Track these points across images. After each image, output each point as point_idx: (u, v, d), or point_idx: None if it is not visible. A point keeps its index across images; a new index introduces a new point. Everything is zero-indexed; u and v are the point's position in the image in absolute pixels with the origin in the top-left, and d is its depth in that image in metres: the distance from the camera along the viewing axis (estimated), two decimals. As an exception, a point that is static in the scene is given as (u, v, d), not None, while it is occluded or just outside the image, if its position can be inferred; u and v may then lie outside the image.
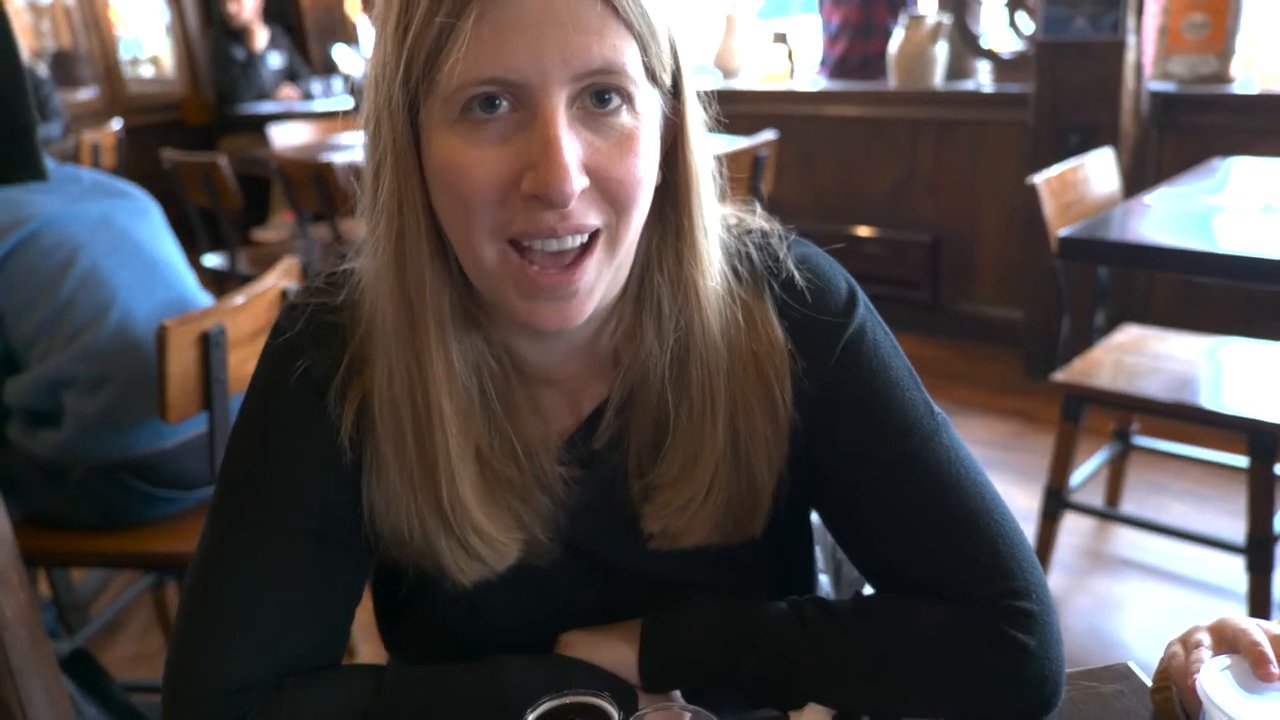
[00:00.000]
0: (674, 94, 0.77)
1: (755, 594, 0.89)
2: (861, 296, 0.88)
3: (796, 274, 0.85)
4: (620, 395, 0.85)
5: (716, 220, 0.83)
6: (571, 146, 0.70)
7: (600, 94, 0.71)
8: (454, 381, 0.79)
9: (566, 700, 0.74)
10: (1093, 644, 2.34)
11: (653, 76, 0.74)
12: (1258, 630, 0.73)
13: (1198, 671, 0.71)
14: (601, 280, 0.76)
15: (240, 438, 0.85)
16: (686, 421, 0.83)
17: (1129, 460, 2.79)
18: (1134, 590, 2.55)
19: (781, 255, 0.86)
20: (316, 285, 0.86)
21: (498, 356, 0.83)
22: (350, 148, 4.26)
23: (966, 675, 0.79)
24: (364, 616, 0.90)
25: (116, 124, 5.43)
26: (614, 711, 0.72)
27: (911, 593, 0.83)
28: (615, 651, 0.86)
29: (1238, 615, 0.76)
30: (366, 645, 2.28)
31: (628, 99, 0.72)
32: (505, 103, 0.70)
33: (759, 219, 0.89)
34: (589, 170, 0.71)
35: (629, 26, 0.70)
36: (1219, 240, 2.05)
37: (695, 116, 0.78)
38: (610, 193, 0.73)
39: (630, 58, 0.71)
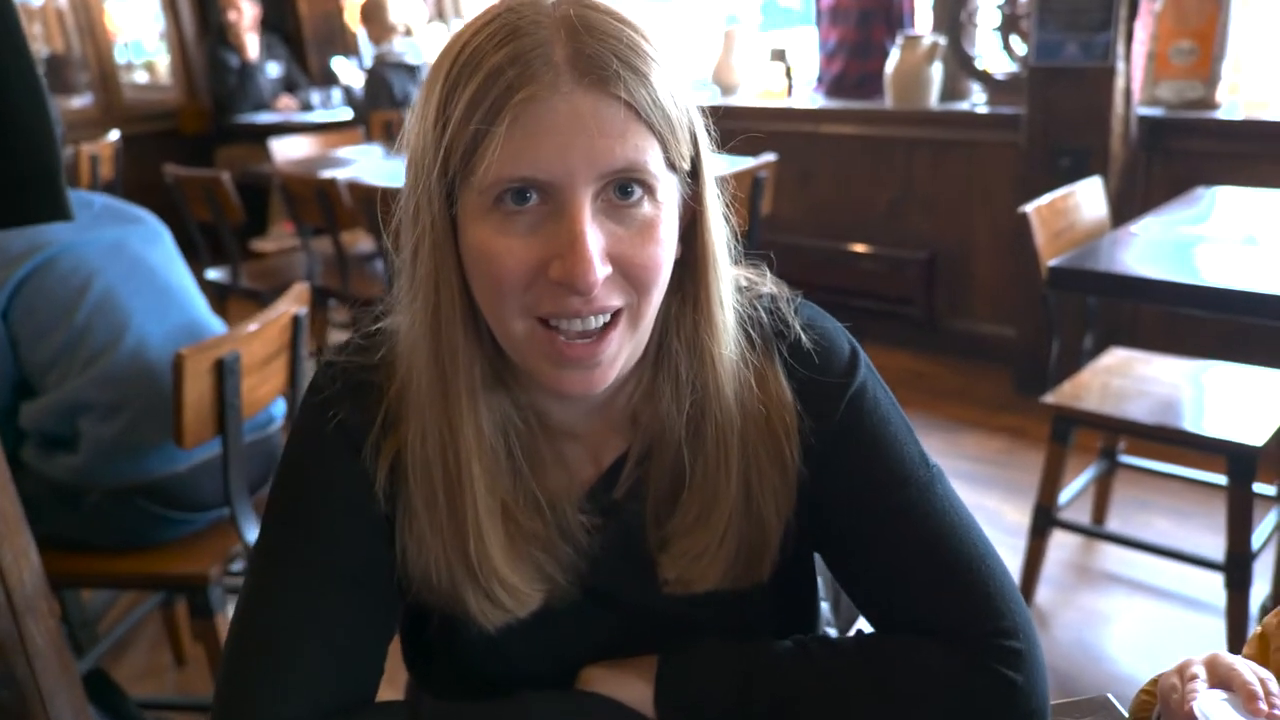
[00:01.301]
0: (693, 176, 0.83)
1: (763, 630, 0.95)
2: (863, 356, 0.94)
3: (803, 336, 0.91)
4: (639, 449, 0.92)
5: (731, 291, 0.89)
6: (595, 238, 0.76)
7: (623, 187, 0.77)
8: (483, 444, 0.85)
9: (590, 737, 0.80)
10: (1079, 656, 2.41)
11: (673, 166, 0.80)
12: (1248, 670, 0.79)
13: (1194, 698, 0.76)
14: (624, 351, 0.83)
15: (281, 489, 0.91)
16: (701, 476, 0.89)
17: (1115, 478, 2.86)
18: (1119, 605, 2.62)
19: (790, 319, 0.92)
20: (353, 344, 0.92)
21: (523, 415, 0.89)
22: (352, 162, 4.31)
23: (960, 708, 0.85)
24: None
25: (114, 135, 5.46)
26: (635, 749, 0.78)
27: (907, 631, 0.89)
28: (633, 688, 0.91)
29: (1227, 654, 0.81)
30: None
31: (649, 190, 0.78)
32: (535, 196, 0.76)
33: (769, 283, 0.95)
34: (612, 258, 0.78)
35: (650, 128, 0.77)
36: (1202, 272, 2.12)
37: (713, 196, 0.85)
38: (632, 277, 0.79)
39: (652, 155, 0.77)
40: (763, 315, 0.92)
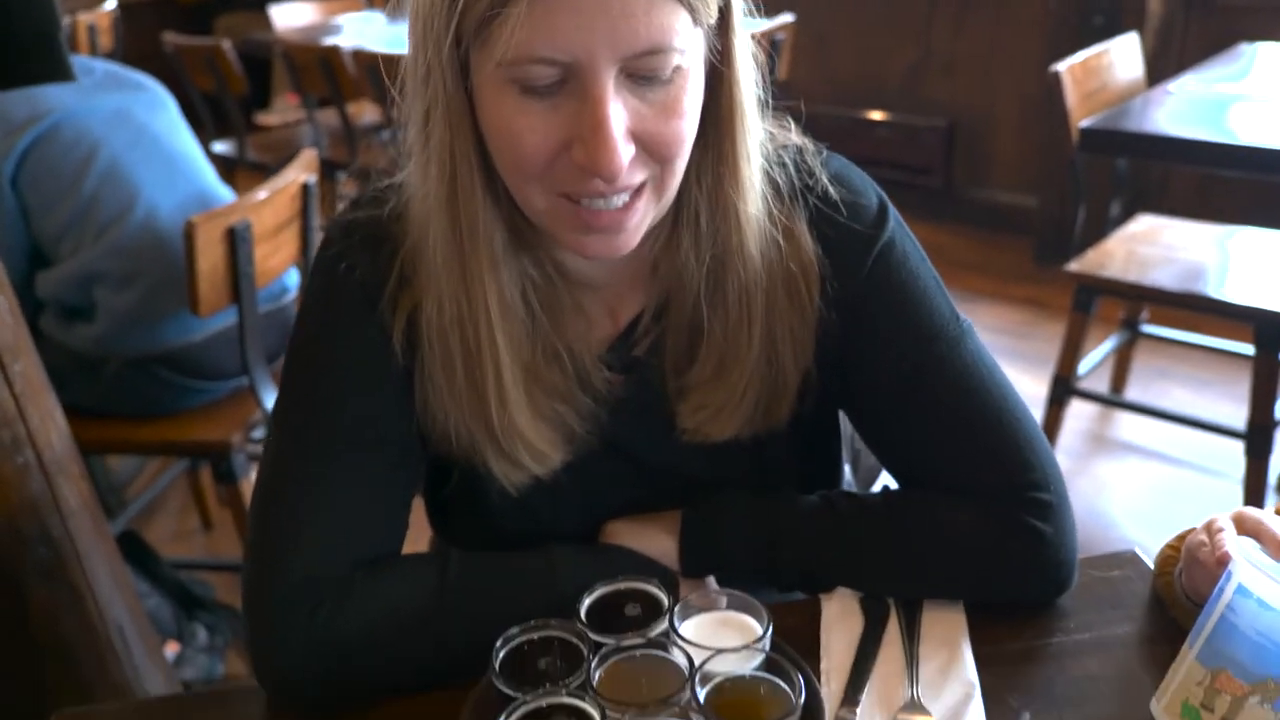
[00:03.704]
0: (720, 25, 0.78)
1: (784, 487, 0.94)
2: (892, 209, 0.91)
3: (831, 189, 0.88)
4: (656, 303, 0.89)
5: (758, 145, 0.85)
6: (619, 120, 0.72)
7: (646, 63, 0.72)
8: (505, 312, 0.82)
9: (620, 586, 0.81)
10: (1093, 524, 2.44)
11: (698, 23, 0.75)
12: (1277, 522, 0.79)
13: (1225, 545, 0.76)
14: (649, 216, 0.80)
15: (297, 346, 0.89)
16: (721, 332, 0.87)
17: (1136, 348, 2.84)
18: (1134, 474, 2.64)
19: (817, 171, 0.88)
20: (365, 198, 0.89)
21: (542, 269, 0.86)
22: (355, 30, 4.18)
23: (988, 561, 0.86)
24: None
25: (111, 3, 5.29)
26: (664, 596, 0.79)
27: (935, 486, 0.88)
28: (656, 540, 0.92)
29: (1254, 509, 0.81)
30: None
31: (673, 64, 0.73)
32: (556, 73, 0.71)
33: (794, 135, 0.91)
34: (635, 135, 0.74)
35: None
36: (1239, 132, 2.05)
37: (742, 46, 0.80)
38: (655, 152, 0.76)
39: (679, 23, 0.72)
40: (790, 167, 0.89)
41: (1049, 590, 0.87)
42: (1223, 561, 0.73)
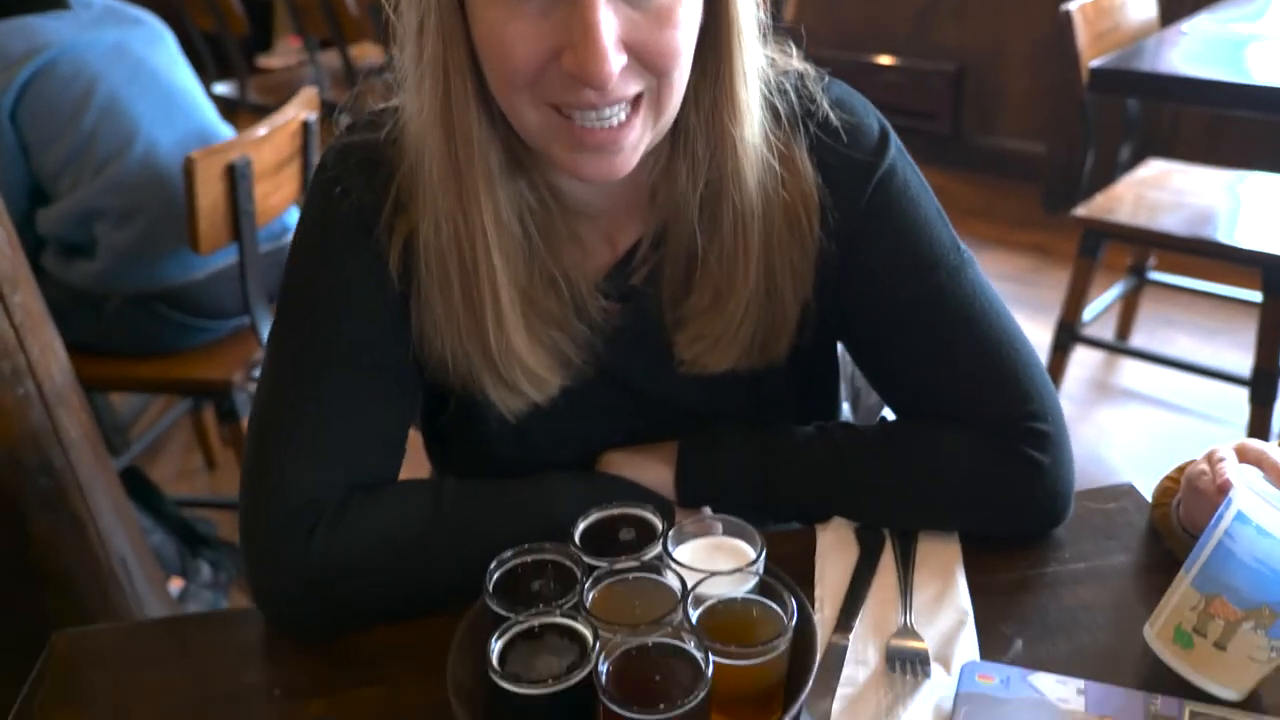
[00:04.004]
0: None
1: (782, 418, 0.94)
2: (893, 137, 0.89)
3: (831, 115, 0.86)
4: (654, 231, 0.88)
5: (756, 69, 0.83)
6: (610, 27, 0.70)
7: None
8: (502, 232, 0.81)
9: (614, 511, 0.81)
10: (1095, 471, 2.44)
11: None
12: (1279, 452, 0.78)
13: (1226, 472, 0.75)
14: (646, 136, 0.78)
15: (293, 271, 0.89)
16: (717, 260, 0.86)
17: (1142, 295, 2.82)
18: (1137, 421, 2.64)
19: (818, 97, 0.87)
20: (360, 122, 0.88)
21: (539, 194, 0.85)
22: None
23: (985, 491, 0.85)
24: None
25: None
26: (658, 521, 0.79)
27: (934, 416, 0.88)
28: (653, 470, 0.92)
29: (1256, 440, 0.80)
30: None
31: None
32: None
33: (795, 61, 0.89)
34: (627, 45, 0.72)
35: None
36: (1254, 72, 2.01)
37: None
38: (649, 64, 0.74)
39: None
40: (790, 93, 0.87)
41: (1044, 521, 0.87)
42: (1223, 489, 0.73)
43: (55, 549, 1.37)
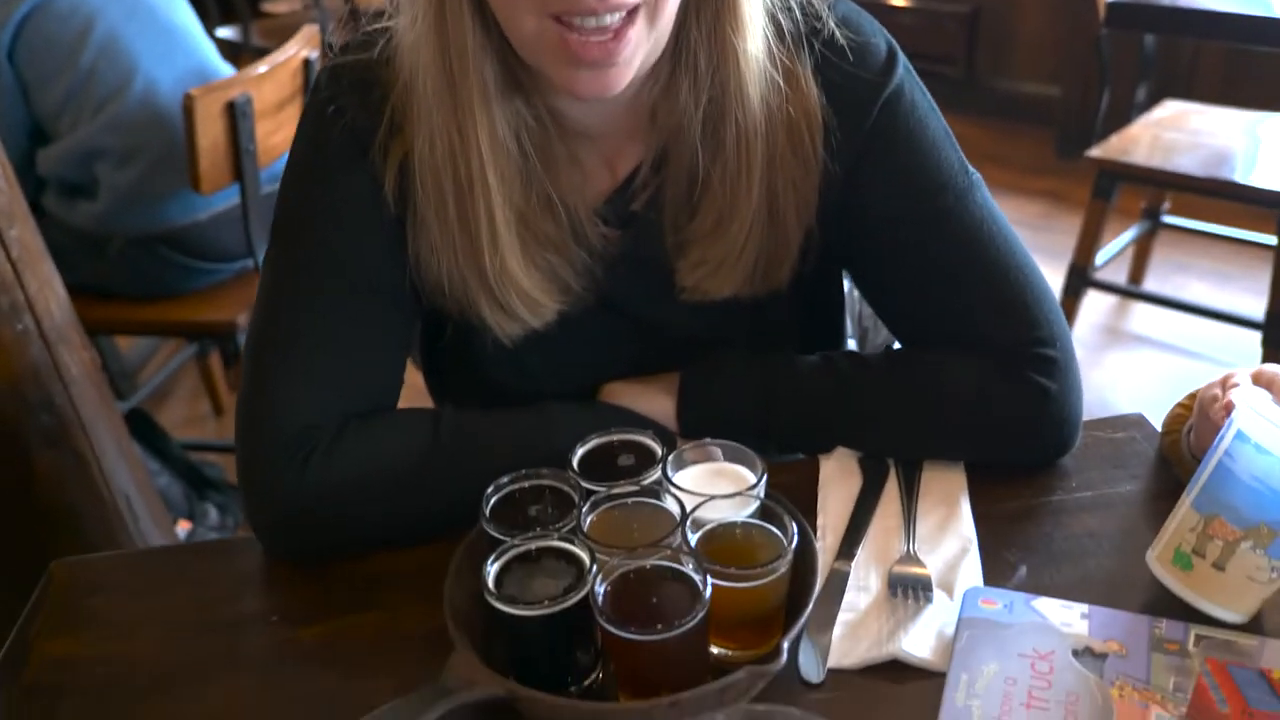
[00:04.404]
0: None
1: (785, 350, 0.92)
2: (901, 56, 0.87)
3: (837, 33, 0.84)
4: (655, 152, 0.86)
5: None
6: None
7: None
8: (497, 149, 0.79)
9: (614, 437, 0.80)
10: (1104, 414, 2.42)
11: None
12: None
13: (1234, 393, 0.73)
14: (642, 49, 0.76)
15: (287, 193, 0.87)
16: (720, 181, 0.84)
17: (1156, 239, 2.78)
18: (1148, 366, 2.61)
19: (824, 14, 0.84)
20: (354, 42, 0.86)
21: (536, 114, 0.83)
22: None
23: (992, 418, 0.84)
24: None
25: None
26: (658, 447, 0.78)
27: (940, 343, 0.86)
28: (655, 401, 0.90)
29: (1272, 365, 0.78)
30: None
31: None
32: None
33: None
34: None
35: None
36: (1276, 5, 1.96)
37: None
38: None
39: None
40: (795, 10, 0.84)
41: (1052, 449, 0.86)
42: (1228, 409, 0.71)
43: (58, 485, 1.37)
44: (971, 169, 0.88)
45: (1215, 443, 0.70)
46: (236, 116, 1.78)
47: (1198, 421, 0.80)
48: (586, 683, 0.69)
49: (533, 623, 0.65)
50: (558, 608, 0.64)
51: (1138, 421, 0.92)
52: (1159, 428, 0.89)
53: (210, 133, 1.74)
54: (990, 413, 0.84)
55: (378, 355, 0.87)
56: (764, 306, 0.91)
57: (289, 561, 0.84)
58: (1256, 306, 2.31)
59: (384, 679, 0.70)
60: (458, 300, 0.86)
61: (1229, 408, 0.71)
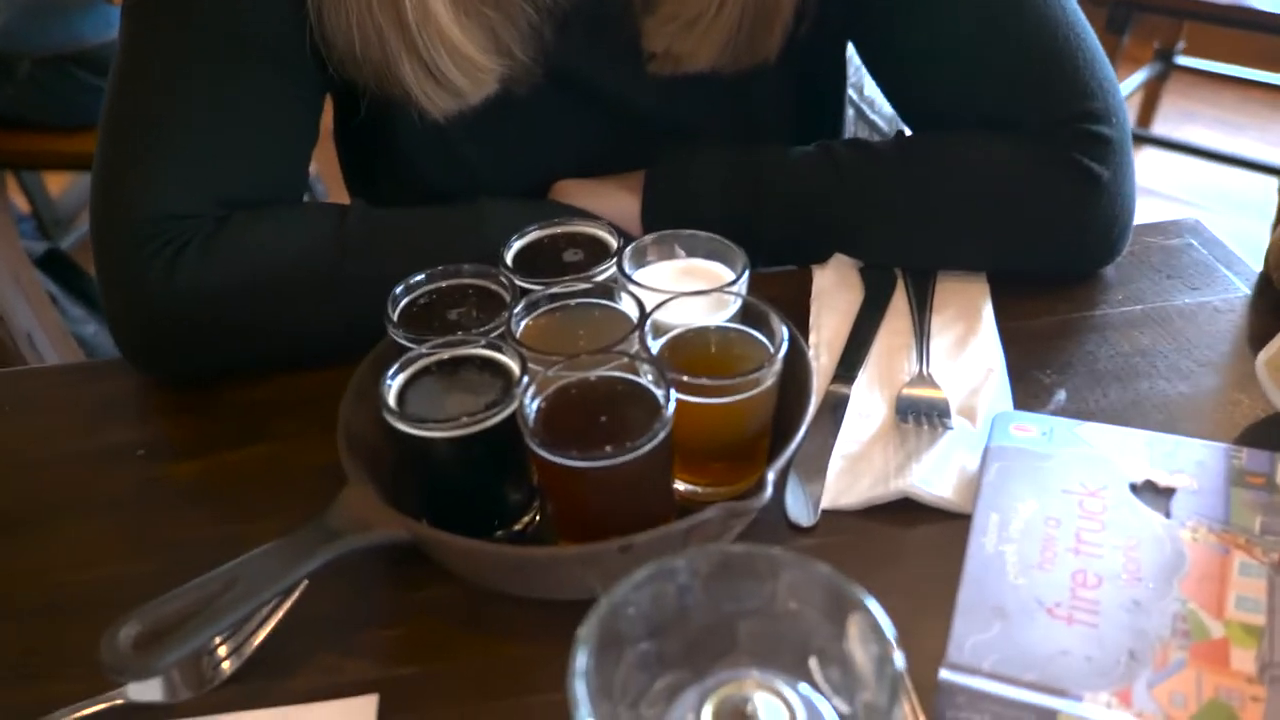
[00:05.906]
0: None
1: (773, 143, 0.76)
2: None
3: None
4: None
5: None
6: None
7: None
8: None
9: (557, 229, 0.63)
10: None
11: None
12: None
13: None
14: None
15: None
16: None
17: (1166, 85, 2.61)
18: (1155, 217, 2.47)
19: None
20: None
21: None
22: None
23: (1026, 210, 0.68)
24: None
25: None
26: (612, 239, 0.62)
27: (967, 120, 0.69)
28: (614, 199, 0.74)
29: None
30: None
31: None
32: None
33: None
34: None
35: None
36: None
37: None
38: None
39: None
40: None
41: (1099, 252, 0.70)
42: None
43: (-57, 321, 1.20)
44: None
45: None
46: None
47: None
48: (518, 527, 0.55)
49: (443, 446, 0.50)
50: (475, 427, 0.49)
51: (1194, 227, 0.77)
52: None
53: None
54: (1024, 203, 0.68)
55: (271, 133, 0.70)
56: (749, 83, 0.74)
57: (163, 386, 0.69)
58: (1267, 154, 2.16)
59: (271, 520, 0.55)
60: (374, 64, 0.68)
61: None
